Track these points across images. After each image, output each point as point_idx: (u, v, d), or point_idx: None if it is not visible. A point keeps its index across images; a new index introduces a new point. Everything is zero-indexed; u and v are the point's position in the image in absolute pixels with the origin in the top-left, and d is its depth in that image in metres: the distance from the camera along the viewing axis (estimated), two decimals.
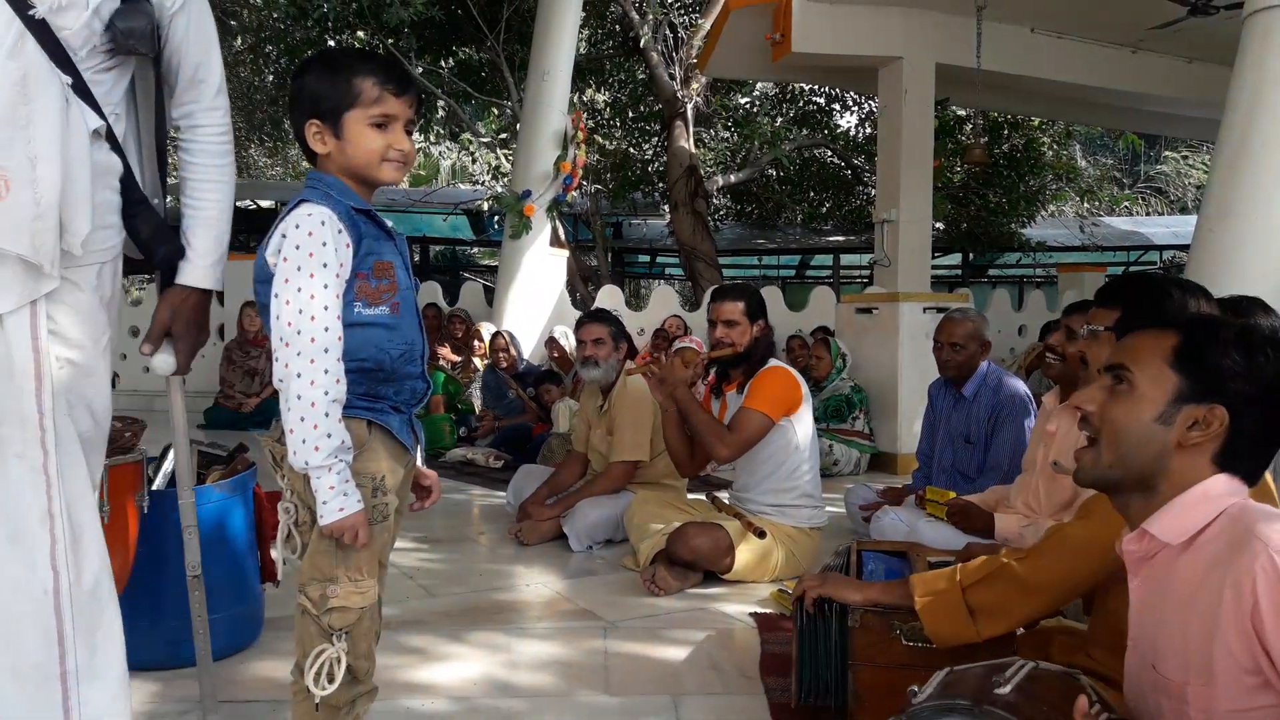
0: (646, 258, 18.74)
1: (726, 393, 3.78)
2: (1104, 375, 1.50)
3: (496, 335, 7.09)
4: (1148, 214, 20.63)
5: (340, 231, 1.69)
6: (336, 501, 1.66)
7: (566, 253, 9.08)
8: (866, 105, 13.87)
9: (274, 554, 2.87)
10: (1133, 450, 1.43)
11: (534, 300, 8.40)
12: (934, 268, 10.10)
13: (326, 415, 1.63)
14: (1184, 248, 14.35)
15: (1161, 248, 16.98)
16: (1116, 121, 12.09)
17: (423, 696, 2.52)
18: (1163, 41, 7.80)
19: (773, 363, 3.69)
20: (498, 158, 12.63)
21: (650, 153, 14.58)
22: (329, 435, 1.63)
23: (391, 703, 2.44)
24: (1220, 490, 1.39)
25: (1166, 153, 22.33)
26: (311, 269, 1.65)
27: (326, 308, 1.65)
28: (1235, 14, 4.13)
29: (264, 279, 1.73)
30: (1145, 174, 22.85)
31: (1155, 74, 8.29)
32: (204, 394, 9.21)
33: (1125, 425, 1.43)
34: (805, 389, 3.69)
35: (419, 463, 1.97)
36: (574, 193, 9.27)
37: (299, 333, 1.63)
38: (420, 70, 10.71)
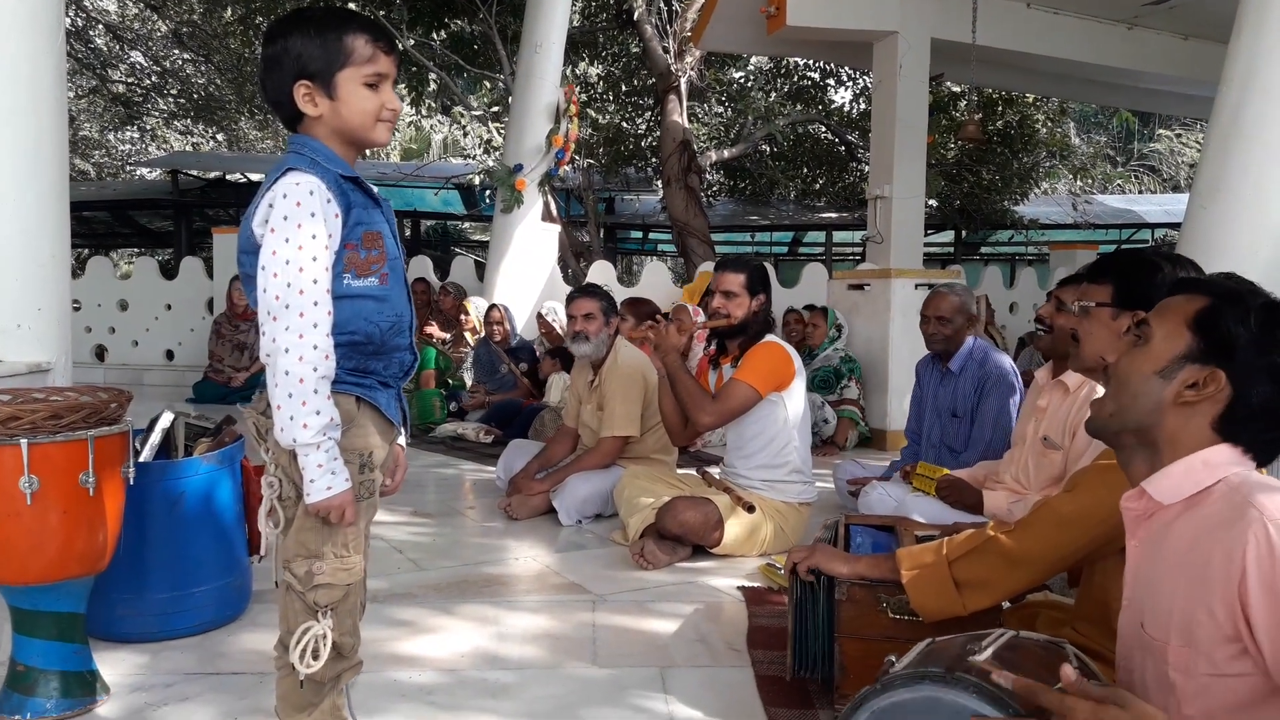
0: (639, 233, 18.64)
1: (724, 364, 3.78)
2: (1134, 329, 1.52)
3: (492, 308, 7.06)
4: (1140, 192, 20.62)
5: (329, 201, 1.65)
6: (324, 480, 1.64)
7: (559, 227, 9.03)
8: (861, 81, 13.80)
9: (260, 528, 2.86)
10: (1131, 400, 1.45)
11: (526, 275, 8.36)
12: (926, 245, 10.09)
13: (315, 391, 1.60)
14: (1176, 226, 14.34)
15: (1154, 225, 16.97)
16: (1111, 99, 12.03)
17: (411, 669, 2.52)
18: (1158, 18, 7.76)
19: (769, 338, 3.69)
20: (490, 131, 12.55)
21: (643, 127, 14.49)
22: (318, 412, 1.60)
23: (380, 675, 2.45)
24: (1223, 459, 1.39)
25: (1160, 130, 22.30)
26: (300, 240, 1.61)
27: (315, 280, 1.61)
28: None
29: (250, 250, 1.68)
30: (1139, 152, 22.82)
31: (1150, 51, 8.25)
32: (193, 368, 9.19)
33: (1128, 375, 1.46)
34: (799, 365, 3.68)
35: (402, 434, 1.95)
36: (566, 167, 9.21)
37: (287, 306, 1.59)
38: (412, 42, 10.61)
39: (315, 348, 1.60)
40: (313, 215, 1.62)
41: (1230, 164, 3.87)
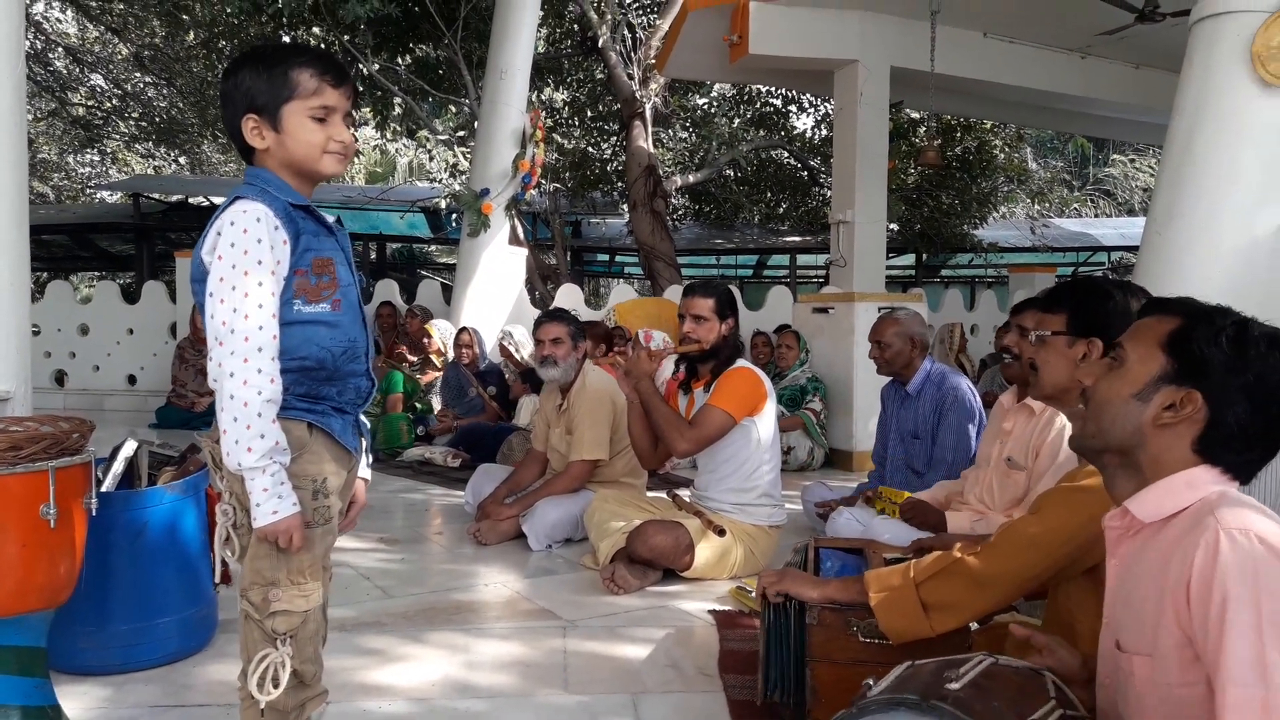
0: (606, 256, 18.71)
1: (695, 389, 3.79)
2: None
3: (462, 331, 7.04)
4: (1097, 216, 21.02)
5: (277, 228, 1.67)
6: (270, 504, 1.64)
7: (525, 251, 9.04)
8: (823, 107, 13.99)
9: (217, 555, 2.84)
10: (1110, 423, 1.47)
11: (493, 299, 8.35)
12: (888, 268, 10.21)
13: (260, 415, 1.61)
14: (1132, 249, 14.64)
15: (1110, 249, 17.30)
16: (1066, 125, 12.31)
17: (380, 698, 2.50)
18: (1111, 48, 7.96)
19: (740, 363, 3.71)
20: (456, 155, 12.55)
21: (609, 152, 14.57)
22: (262, 436, 1.61)
23: (349, 705, 2.42)
24: (1204, 480, 1.40)
25: (1115, 156, 22.78)
26: (246, 266, 1.62)
27: (261, 306, 1.62)
28: (1182, 21, 4.23)
29: (200, 278, 1.70)
30: (1094, 177, 23.28)
31: (1104, 79, 8.46)
32: (156, 393, 9.06)
33: (1106, 398, 1.48)
34: (770, 389, 3.71)
35: (365, 465, 1.94)
36: (533, 191, 9.22)
37: (233, 331, 1.61)
38: (377, 67, 10.59)
39: (260, 372, 1.61)
40: (259, 241, 1.64)
41: (1184, 190, 3.97)
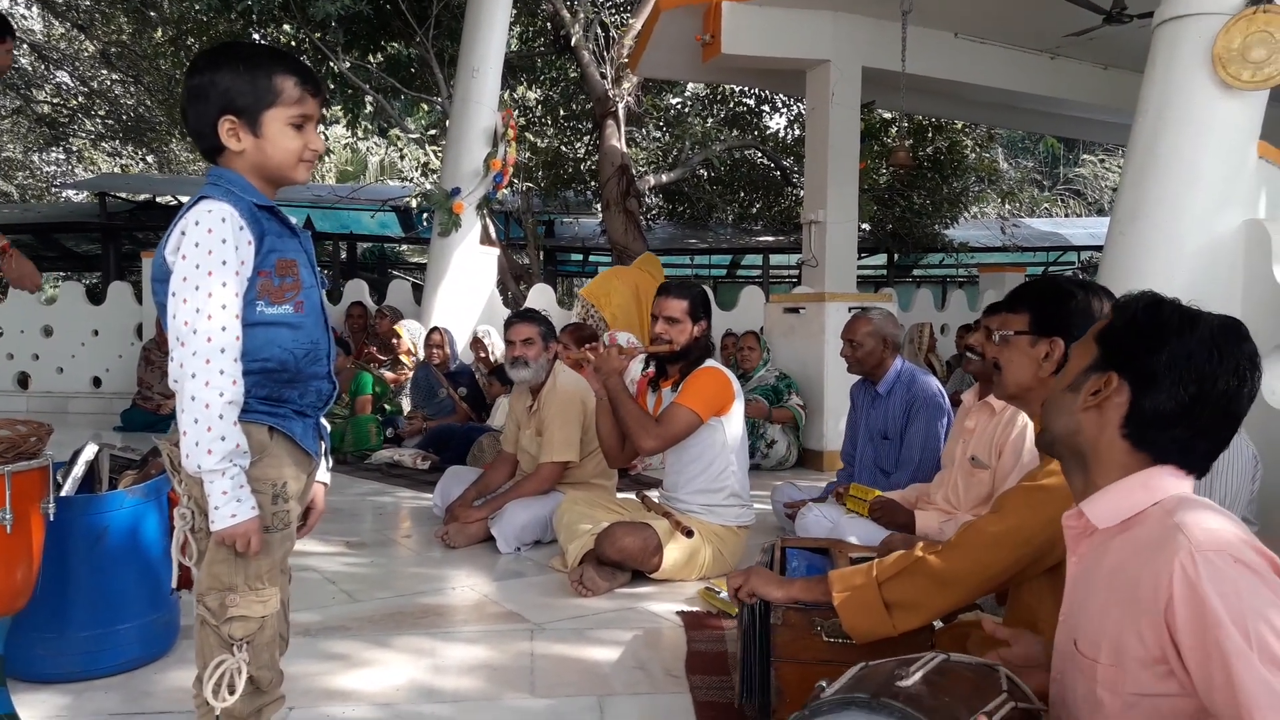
0: (579, 256, 18.67)
1: (663, 388, 3.79)
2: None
3: (433, 331, 7.00)
4: (1066, 215, 21.24)
5: (241, 228, 1.66)
6: (229, 508, 1.63)
7: (497, 250, 9.00)
8: (795, 107, 14.03)
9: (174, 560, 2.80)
10: (1050, 416, 1.55)
11: (464, 298, 8.31)
12: (860, 268, 10.25)
13: (221, 418, 1.60)
14: (1101, 249, 14.79)
15: (1080, 248, 17.48)
16: (1036, 125, 12.40)
17: (345, 703, 2.47)
18: (1080, 49, 8.03)
19: (709, 363, 3.71)
20: (427, 154, 12.47)
21: (582, 151, 14.54)
22: (223, 438, 1.60)
23: (312, 710, 2.40)
24: (1160, 482, 1.42)
25: (1085, 156, 23.03)
26: (210, 267, 1.61)
27: (224, 306, 1.61)
28: (1147, 23, 4.26)
29: (162, 278, 1.68)
30: (1064, 177, 23.53)
31: (1073, 80, 8.53)
32: (122, 395, 8.95)
33: (1051, 397, 1.57)
34: (738, 389, 3.72)
35: (324, 469, 1.92)
36: (505, 190, 9.19)
37: (195, 332, 1.60)
38: (348, 65, 10.51)
39: (222, 373, 1.60)
40: (224, 242, 1.63)
41: (1147, 191, 4.01)
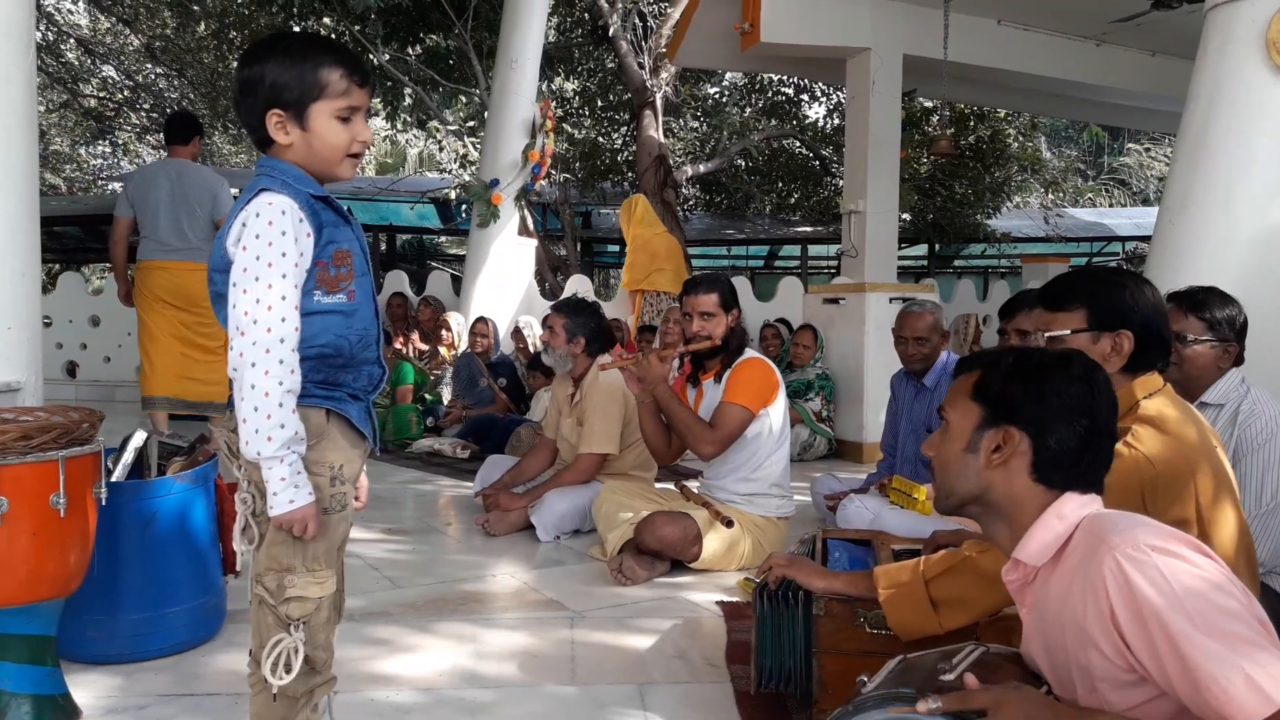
0: (616, 247, 18.66)
1: (703, 381, 3.79)
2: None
3: (479, 320, 7.05)
4: (1111, 205, 20.87)
5: (301, 220, 1.68)
6: (287, 493, 1.65)
7: (535, 242, 9.03)
8: (835, 96, 13.93)
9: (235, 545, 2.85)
10: (954, 481, 1.56)
11: (502, 289, 8.35)
12: (900, 258, 10.17)
13: (280, 405, 1.62)
14: (1146, 239, 14.52)
15: (1124, 239, 17.17)
16: (1081, 114, 12.21)
17: (388, 688, 2.50)
18: (1126, 35, 7.89)
19: (749, 353, 3.71)
20: (465, 146, 12.54)
21: (619, 142, 14.55)
22: (282, 426, 1.62)
23: (357, 694, 2.43)
24: (1071, 507, 1.46)
25: (1130, 145, 22.60)
26: (270, 258, 1.63)
27: (284, 298, 1.64)
28: (1197, 8, 4.18)
29: (222, 268, 1.71)
30: (1109, 166, 23.11)
31: (1119, 67, 8.38)
32: None
33: (944, 461, 1.58)
34: (780, 379, 3.71)
35: (375, 452, 1.96)
36: (542, 181, 9.22)
37: (255, 322, 1.62)
38: (387, 57, 10.59)
39: (281, 362, 1.62)
40: (284, 234, 1.65)
41: (1198, 178, 3.93)
